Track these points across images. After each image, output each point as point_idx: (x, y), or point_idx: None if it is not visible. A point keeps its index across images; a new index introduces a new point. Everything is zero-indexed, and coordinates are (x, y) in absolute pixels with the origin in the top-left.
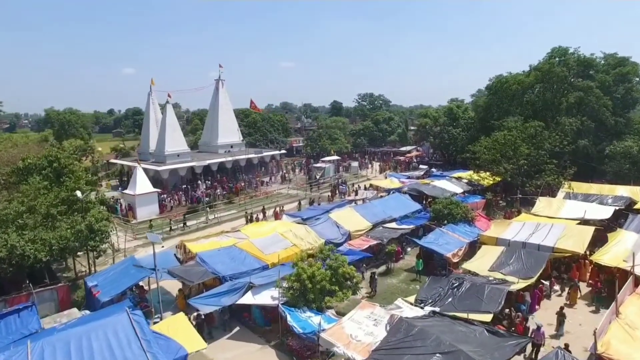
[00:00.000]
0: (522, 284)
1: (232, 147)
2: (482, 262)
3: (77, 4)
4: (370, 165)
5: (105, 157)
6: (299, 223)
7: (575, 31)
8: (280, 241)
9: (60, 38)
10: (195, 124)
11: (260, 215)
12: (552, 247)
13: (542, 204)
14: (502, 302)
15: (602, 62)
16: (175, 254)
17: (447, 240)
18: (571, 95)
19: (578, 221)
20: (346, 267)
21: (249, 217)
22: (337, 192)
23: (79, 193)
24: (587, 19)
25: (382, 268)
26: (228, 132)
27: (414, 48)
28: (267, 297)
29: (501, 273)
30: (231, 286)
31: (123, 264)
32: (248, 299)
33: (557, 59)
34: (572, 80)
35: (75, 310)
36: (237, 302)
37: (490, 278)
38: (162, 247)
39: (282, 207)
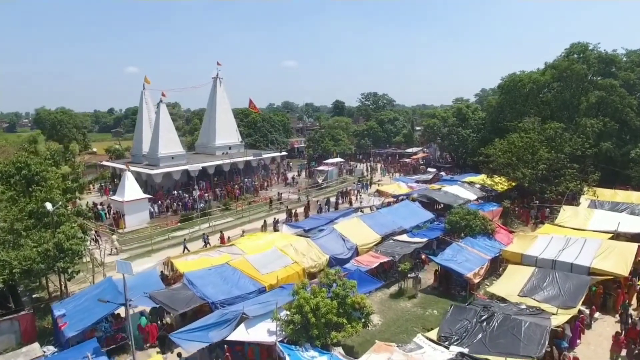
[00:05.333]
0: (563, 315)
1: (230, 148)
2: (510, 285)
3: (81, 3)
4: (388, 171)
5: (99, 159)
6: (300, 235)
7: (585, 28)
8: (279, 258)
9: (60, 37)
10: (194, 124)
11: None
12: (588, 268)
13: (567, 213)
14: (546, 343)
15: (625, 59)
16: (162, 271)
17: (466, 257)
18: (592, 94)
19: (610, 235)
20: (356, 296)
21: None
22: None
23: (48, 205)
24: (596, 14)
25: (394, 288)
26: (226, 132)
27: (416, 47)
28: (263, 332)
29: (534, 300)
30: (221, 316)
31: (99, 287)
32: (241, 333)
33: (575, 55)
34: (592, 78)
35: (36, 346)
36: (228, 339)
37: (522, 306)
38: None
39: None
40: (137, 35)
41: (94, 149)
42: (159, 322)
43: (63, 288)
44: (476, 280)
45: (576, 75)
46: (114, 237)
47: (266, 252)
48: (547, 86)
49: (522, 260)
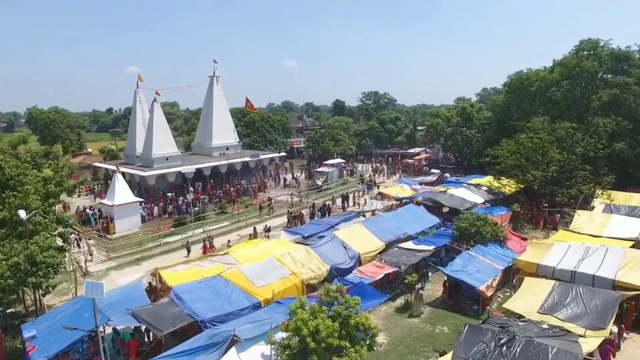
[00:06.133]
0: (593, 338)
1: (227, 149)
2: (529, 301)
3: (82, 2)
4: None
5: (93, 159)
6: (298, 242)
7: (584, 27)
8: (276, 268)
9: (60, 37)
10: (192, 124)
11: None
12: (613, 280)
13: (582, 218)
14: None
15: (638, 56)
16: (150, 282)
17: (477, 267)
18: (604, 92)
19: (632, 242)
20: (360, 316)
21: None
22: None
23: (22, 213)
24: (596, 14)
25: (400, 301)
26: (223, 132)
27: (415, 47)
28: (256, 356)
29: (557, 318)
30: (209, 338)
31: (77, 304)
32: (231, 358)
33: (585, 52)
34: (603, 76)
35: None
36: None
37: (544, 325)
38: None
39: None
40: (137, 35)
41: (89, 150)
42: (145, 339)
43: (44, 306)
44: (489, 293)
45: (586, 72)
46: (91, 241)
47: (262, 262)
48: (556, 84)
49: (538, 270)
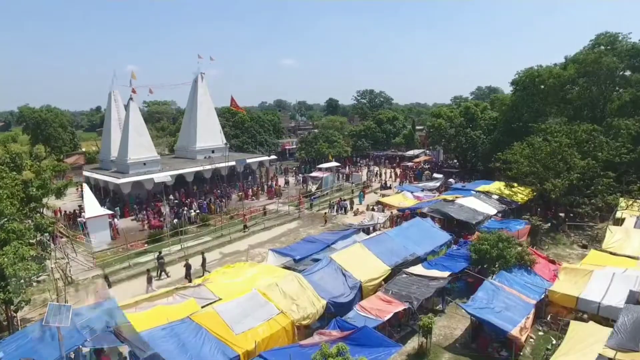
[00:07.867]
0: None
1: (213, 152)
2: (580, 357)
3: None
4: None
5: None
6: (288, 267)
7: (581, 25)
8: (261, 307)
9: (58, 37)
10: (179, 123)
11: None
12: None
13: (617, 236)
14: None
15: None
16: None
17: (505, 303)
18: (625, 91)
19: None
20: None
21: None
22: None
23: None
24: (594, 13)
25: (412, 344)
26: (208, 134)
27: (412, 45)
28: None
29: None
30: None
31: None
32: None
33: (602, 47)
34: (622, 73)
35: None
36: None
37: None
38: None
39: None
40: (136, 34)
41: (84, 149)
42: None
43: (17, 321)
44: (523, 338)
45: (605, 69)
46: (63, 239)
47: (243, 298)
48: (571, 82)
49: (577, 305)
